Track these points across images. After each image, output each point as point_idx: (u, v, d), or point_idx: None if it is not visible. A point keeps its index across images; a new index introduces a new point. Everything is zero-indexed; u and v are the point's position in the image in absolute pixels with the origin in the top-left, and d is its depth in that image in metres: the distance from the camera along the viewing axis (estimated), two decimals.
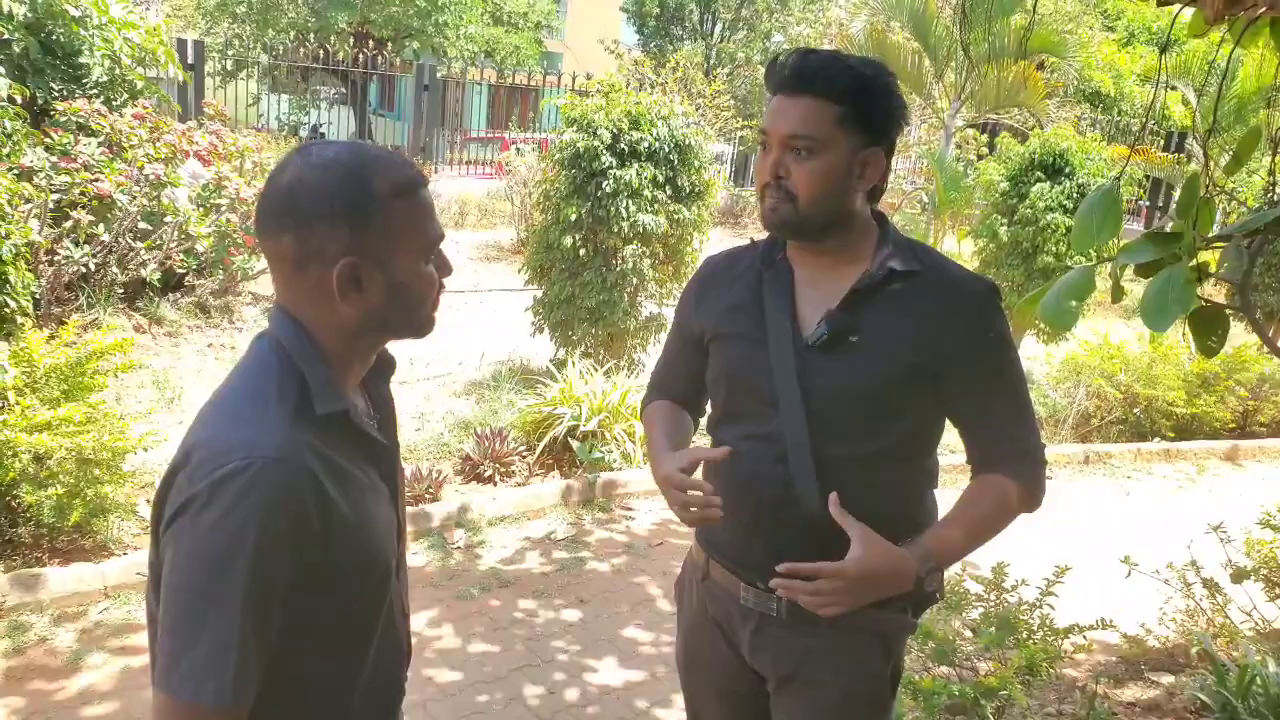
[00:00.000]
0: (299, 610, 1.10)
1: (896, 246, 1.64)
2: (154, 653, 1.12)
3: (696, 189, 6.23)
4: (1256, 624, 3.60)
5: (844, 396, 1.60)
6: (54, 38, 6.54)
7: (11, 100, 4.02)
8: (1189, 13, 1.88)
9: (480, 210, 12.63)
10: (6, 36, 5.83)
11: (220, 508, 1.04)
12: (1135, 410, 6.73)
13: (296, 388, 1.14)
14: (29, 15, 6.16)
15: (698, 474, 1.66)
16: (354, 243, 1.12)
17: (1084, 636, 3.24)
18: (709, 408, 1.86)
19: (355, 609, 1.19)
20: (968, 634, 3.29)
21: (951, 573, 3.36)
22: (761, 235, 1.75)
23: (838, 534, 1.62)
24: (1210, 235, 1.43)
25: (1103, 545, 4.38)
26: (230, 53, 16.51)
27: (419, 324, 1.22)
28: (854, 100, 1.54)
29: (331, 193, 1.12)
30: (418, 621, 3.64)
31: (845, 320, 1.59)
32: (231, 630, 1.03)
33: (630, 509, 4.97)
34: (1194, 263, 1.39)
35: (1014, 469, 1.64)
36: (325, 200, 1.11)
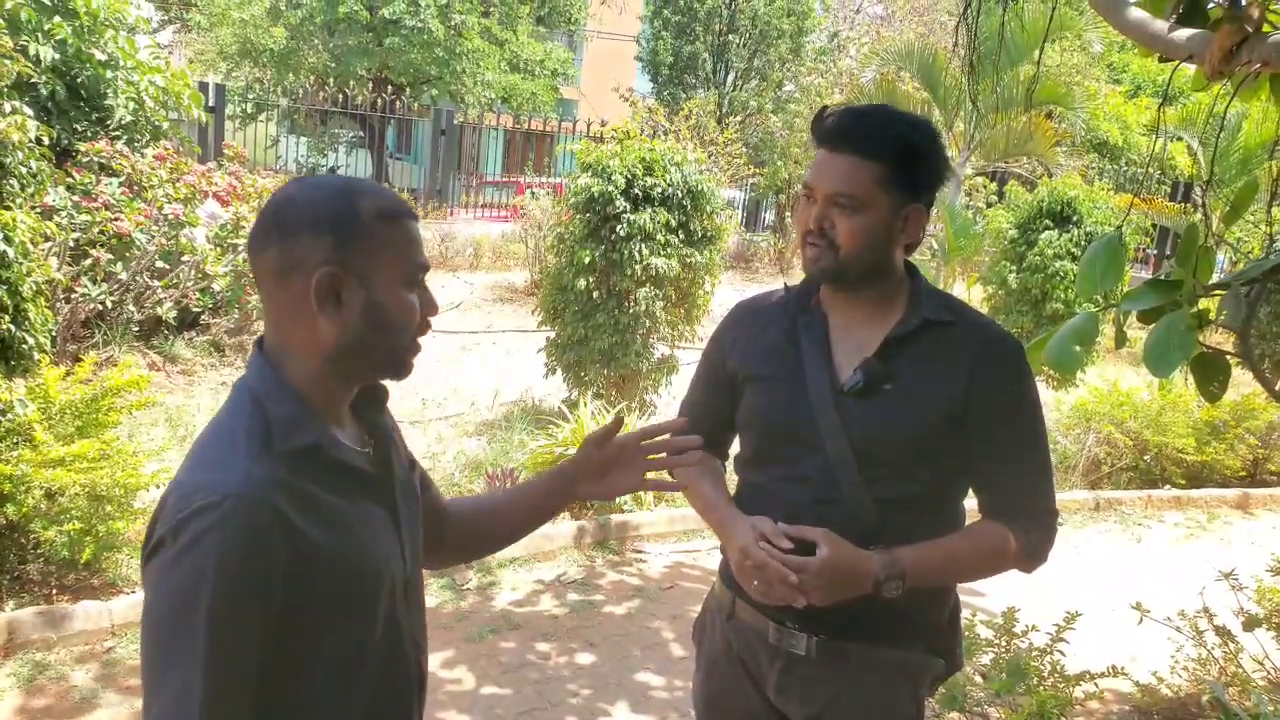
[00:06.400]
0: (283, 638, 1.11)
1: (929, 297, 1.67)
2: None
3: (708, 233, 6.30)
4: (1269, 673, 3.57)
5: (880, 442, 1.62)
6: (79, 81, 6.68)
7: (38, 141, 4.11)
8: (1191, 67, 1.93)
9: (494, 252, 12.76)
10: (35, 80, 5.96)
11: (181, 547, 1.05)
12: (1145, 457, 6.71)
13: (263, 426, 1.14)
14: (56, 59, 6.31)
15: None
16: (335, 254, 1.14)
17: (1095, 684, 3.22)
18: (734, 448, 1.89)
19: (344, 634, 1.19)
20: (978, 679, 3.28)
21: (963, 618, 3.35)
22: (791, 281, 1.79)
23: None
24: (1210, 283, 1.46)
25: (1114, 592, 4.36)
26: (251, 96, 16.79)
27: (397, 357, 1.22)
28: (897, 161, 1.57)
29: (317, 206, 1.15)
30: (429, 663, 3.63)
31: (880, 369, 1.62)
32: (195, 667, 1.04)
33: (642, 551, 4.97)
34: (1195, 310, 1.42)
35: (1018, 524, 1.65)
36: (310, 213, 1.15)
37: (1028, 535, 1.65)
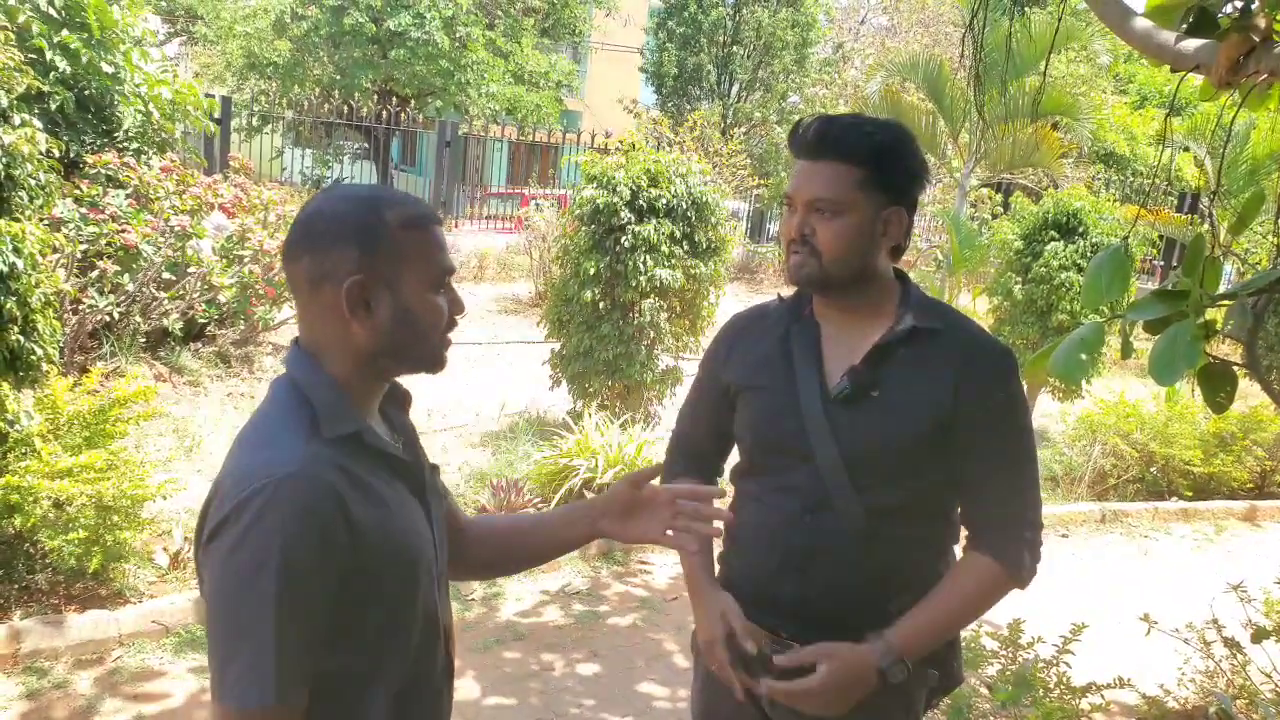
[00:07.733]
0: (339, 614, 1.16)
1: (919, 304, 1.68)
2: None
3: (713, 245, 6.31)
4: (1277, 685, 3.55)
5: (868, 450, 1.63)
6: (88, 93, 6.72)
7: (47, 154, 4.13)
8: (1199, 77, 1.93)
9: (499, 264, 12.78)
10: (45, 91, 5.99)
11: (244, 526, 1.10)
12: (1152, 469, 6.69)
13: (309, 412, 1.20)
14: (66, 71, 6.34)
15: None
16: (362, 263, 1.19)
17: (1102, 696, 3.20)
18: (733, 458, 1.90)
19: (384, 613, 1.23)
20: (984, 691, 3.27)
21: (968, 630, 3.34)
22: (787, 292, 1.80)
23: (864, 583, 1.64)
24: (1216, 294, 1.46)
25: (1120, 604, 4.34)
26: (256, 108, 16.87)
27: (429, 355, 1.28)
28: (874, 163, 1.59)
29: (343, 218, 1.21)
30: None
31: (867, 376, 1.63)
32: (267, 636, 1.09)
33: (647, 563, 4.97)
34: (1201, 320, 1.42)
35: (999, 543, 1.65)
36: (337, 223, 1.20)
37: (1007, 557, 1.64)
